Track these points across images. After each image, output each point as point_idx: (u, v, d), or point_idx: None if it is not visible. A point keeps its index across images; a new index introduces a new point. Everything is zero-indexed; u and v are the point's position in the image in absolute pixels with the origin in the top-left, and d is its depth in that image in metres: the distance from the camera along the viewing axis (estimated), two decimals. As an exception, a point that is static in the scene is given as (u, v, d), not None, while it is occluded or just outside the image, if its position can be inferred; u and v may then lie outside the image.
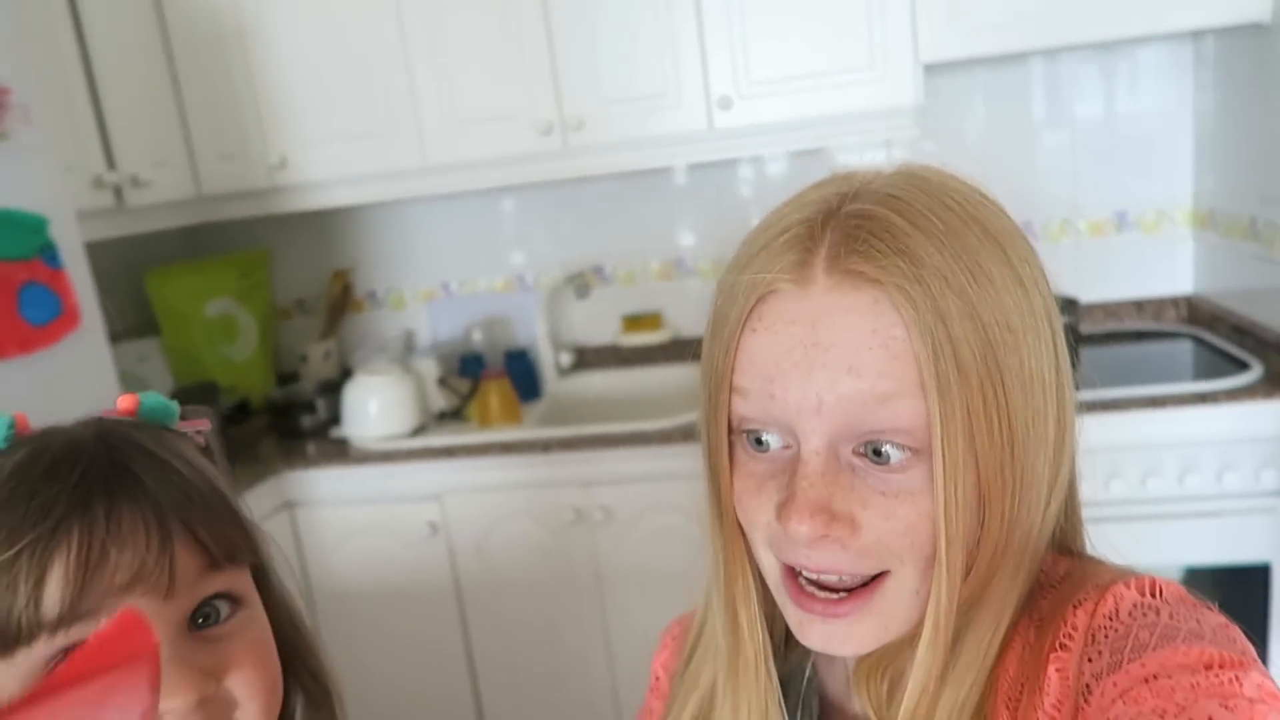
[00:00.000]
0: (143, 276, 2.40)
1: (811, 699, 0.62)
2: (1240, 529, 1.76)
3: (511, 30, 2.02)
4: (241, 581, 0.57)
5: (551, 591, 2.08)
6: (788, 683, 0.63)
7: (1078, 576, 0.54)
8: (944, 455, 0.48)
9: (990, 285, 0.49)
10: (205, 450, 0.63)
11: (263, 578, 0.61)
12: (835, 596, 0.52)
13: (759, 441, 0.52)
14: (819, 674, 0.63)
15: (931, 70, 2.04)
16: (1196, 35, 2.10)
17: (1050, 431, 0.52)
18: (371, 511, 2.11)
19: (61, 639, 0.49)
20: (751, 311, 0.51)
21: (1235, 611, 1.86)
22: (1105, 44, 2.12)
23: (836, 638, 0.52)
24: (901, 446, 0.49)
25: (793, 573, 0.53)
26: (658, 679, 0.73)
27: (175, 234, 2.55)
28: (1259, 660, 0.46)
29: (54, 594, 0.49)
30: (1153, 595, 0.51)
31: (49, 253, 1.49)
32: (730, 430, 0.54)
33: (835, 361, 0.48)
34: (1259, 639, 1.77)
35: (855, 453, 0.50)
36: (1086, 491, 1.89)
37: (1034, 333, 0.51)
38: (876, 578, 0.51)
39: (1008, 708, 0.51)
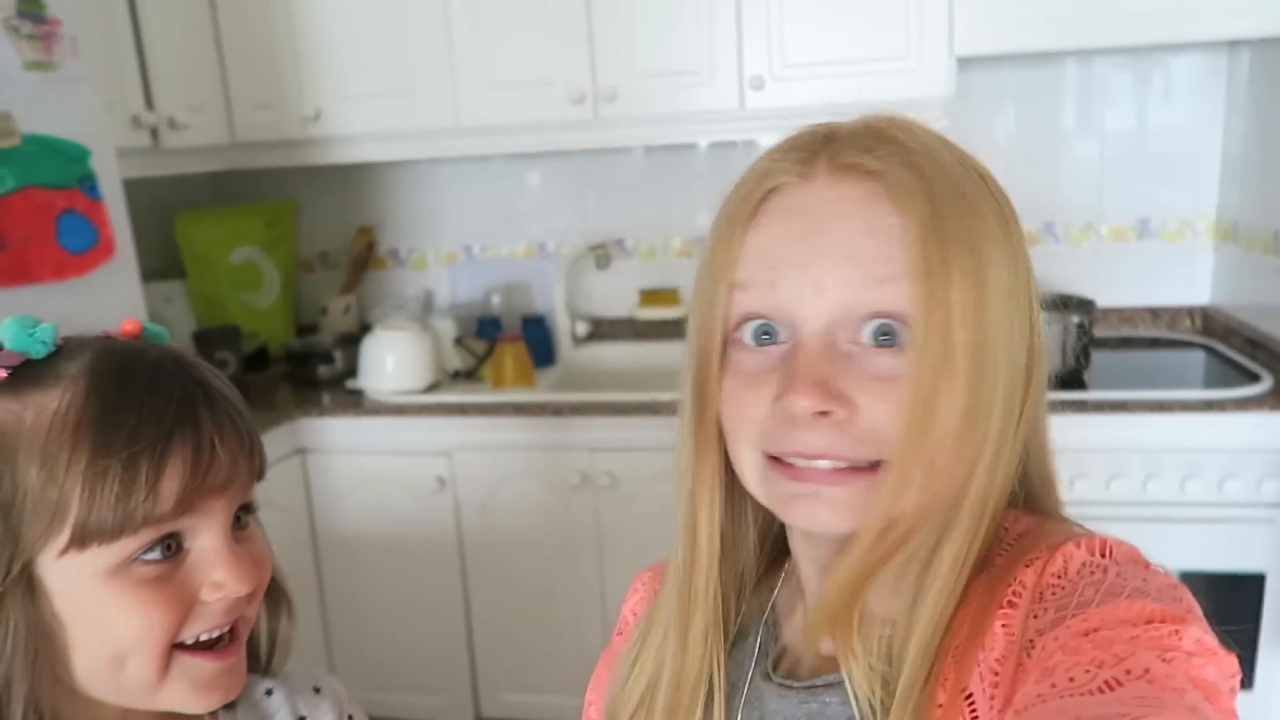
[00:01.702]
0: (172, 219, 2.43)
1: (770, 642, 0.63)
2: (1238, 537, 1.78)
3: (551, -3, 2.05)
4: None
5: (552, 552, 2.12)
6: (748, 628, 0.65)
7: (1033, 535, 0.55)
8: (925, 337, 0.49)
9: (975, 206, 0.52)
10: None
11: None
12: (831, 468, 0.52)
13: (765, 333, 0.54)
14: (778, 618, 0.65)
15: (965, 64, 2.05)
16: (1232, 46, 2.10)
17: (1016, 350, 0.53)
18: (381, 462, 2.15)
19: (164, 528, 0.56)
20: (757, 207, 0.54)
21: (1228, 619, 1.88)
22: (1140, 49, 2.12)
23: (824, 506, 0.52)
24: (897, 327, 0.51)
25: (777, 461, 0.54)
26: (626, 622, 0.74)
27: (206, 179, 2.59)
28: (1202, 617, 0.47)
29: (170, 489, 0.55)
30: (1102, 555, 0.52)
31: (89, 183, 1.52)
32: (725, 339, 0.56)
33: (834, 247, 0.51)
34: (1250, 647, 1.79)
35: (851, 340, 0.52)
36: (1087, 491, 1.90)
37: (1005, 252, 0.53)
38: (874, 466, 0.52)
39: (954, 660, 0.52)
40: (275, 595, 0.69)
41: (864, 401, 0.51)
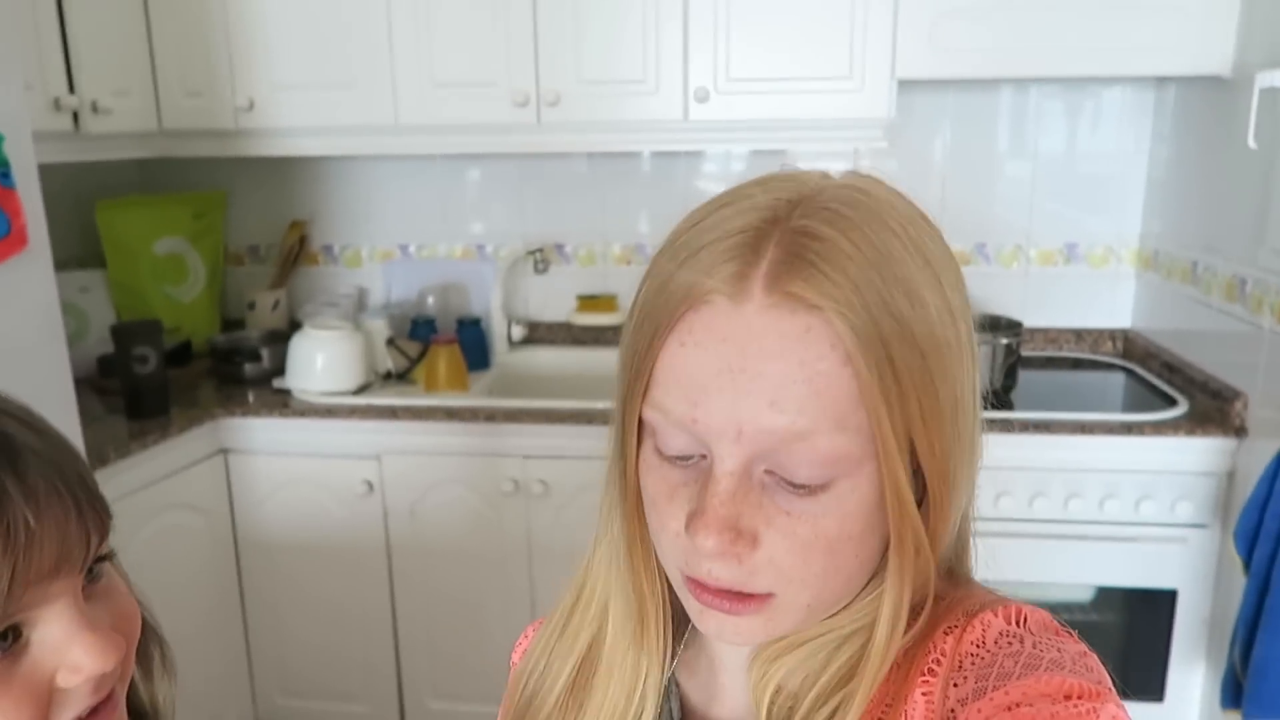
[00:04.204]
0: (93, 206, 2.33)
1: (671, 703, 0.63)
2: (1152, 556, 1.84)
3: (497, -2, 2.02)
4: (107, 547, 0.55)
5: (482, 560, 2.09)
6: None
7: (948, 602, 0.56)
8: (886, 470, 0.49)
9: (925, 311, 0.50)
10: None
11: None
12: (729, 592, 0.53)
13: (677, 456, 0.53)
14: (676, 681, 0.65)
15: (905, 87, 2.08)
16: (1159, 82, 2.18)
17: (968, 451, 0.54)
18: (307, 465, 2.09)
19: None
20: (681, 320, 0.50)
21: (1142, 633, 1.95)
22: (1074, 80, 2.19)
23: (729, 629, 0.54)
24: (811, 480, 0.50)
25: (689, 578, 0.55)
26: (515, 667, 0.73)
27: (130, 166, 2.49)
28: (1114, 690, 0.49)
29: None
30: (1018, 624, 0.53)
31: (1, 169, 1.44)
32: (640, 427, 0.54)
33: (759, 392, 0.48)
34: (1162, 659, 1.85)
35: (767, 471, 0.50)
36: (1011, 508, 1.95)
37: (958, 360, 0.52)
38: (766, 596, 0.53)
39: None
40: (146, 649, 0.61)
41: (767, 537, 0.51)
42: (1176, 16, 1.84)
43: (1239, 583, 1.63)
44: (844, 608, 0.55)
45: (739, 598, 0.52)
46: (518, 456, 2.02)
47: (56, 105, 1.90)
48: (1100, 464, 1.84)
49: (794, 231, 0.49)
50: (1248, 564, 1.60)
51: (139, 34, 2.13)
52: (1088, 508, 1.85)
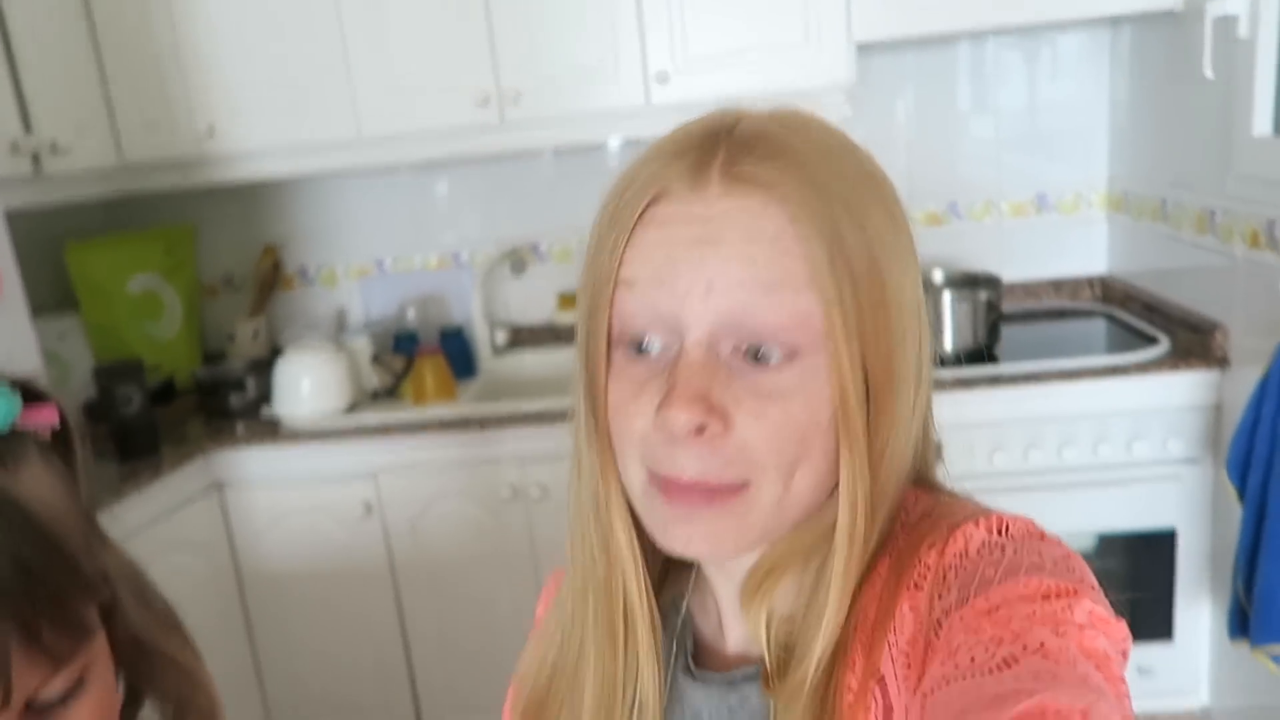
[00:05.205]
0: (62, 249, 2.31)
1: (686, 638, 0.64)
2: (1149, 496, 1.86)
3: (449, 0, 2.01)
4: (87, 658, 0.50)
5: (488, 569, 2.08)
6: (663, 623, 0.64)
7: (934, 516, 0.56)
8: (838, 347, 0.50)
9: (867, 210, 0.52)
10: (57, 444, 0.54)
11: (111, 610, 0.54)
12: (701, 489, 0.53)
13: (640, 348, 0.53)
14: (692, 617, 0.65)
15: (865, 51, 2.09)
16: (1114, 23, 2.19)
17: (913, 353, 0.55)
18: (304, 492, 2.08)
19: None
20: (644, 213, 0.53)
21: (1146, 576, 1.95)
22: (1029, 28, 2.19)
23: (697, 537, 0.53)
24: (780, 345, 0.51)
25: (658, 478, 0.54)
26: (540, 622, 0.73)
27: (96, 206, 2.47)
28: (1095, 588, 0.49)
29: None
30: (1000, 533, 0.53)
31: (-35, 218, 1.43)
32: (609, 341, 0.55)
33: (728, 250, 0.50)
34: (1166, 600, 1.87)
35: (734, 352, 0.52)
36: (1006, 462, 1.95)
37: (901, 264, 0.54)
38: (739, 487, 0.53)
39: (863, 645, 0.53)
40: (172, 688, 0.59)
41: (739, 418, 0.51)
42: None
43: (1236, 514, 1.64)
44: (812, 519, 0.55)
45: (712, 493, 0.52)
46: (514, 461, 2.02)
47: (15, 148, 1.88)
48: (1090, 409, 1.85)
49: (740, 136, 0.53)
50: (1242, 492, 1.61)
51: (91, 69, 2.10)
52: (1081, 454, 1.86)
